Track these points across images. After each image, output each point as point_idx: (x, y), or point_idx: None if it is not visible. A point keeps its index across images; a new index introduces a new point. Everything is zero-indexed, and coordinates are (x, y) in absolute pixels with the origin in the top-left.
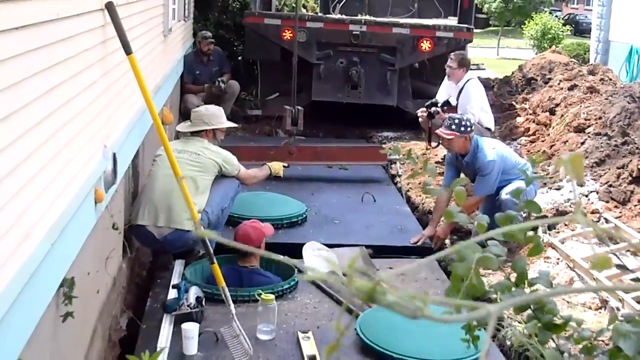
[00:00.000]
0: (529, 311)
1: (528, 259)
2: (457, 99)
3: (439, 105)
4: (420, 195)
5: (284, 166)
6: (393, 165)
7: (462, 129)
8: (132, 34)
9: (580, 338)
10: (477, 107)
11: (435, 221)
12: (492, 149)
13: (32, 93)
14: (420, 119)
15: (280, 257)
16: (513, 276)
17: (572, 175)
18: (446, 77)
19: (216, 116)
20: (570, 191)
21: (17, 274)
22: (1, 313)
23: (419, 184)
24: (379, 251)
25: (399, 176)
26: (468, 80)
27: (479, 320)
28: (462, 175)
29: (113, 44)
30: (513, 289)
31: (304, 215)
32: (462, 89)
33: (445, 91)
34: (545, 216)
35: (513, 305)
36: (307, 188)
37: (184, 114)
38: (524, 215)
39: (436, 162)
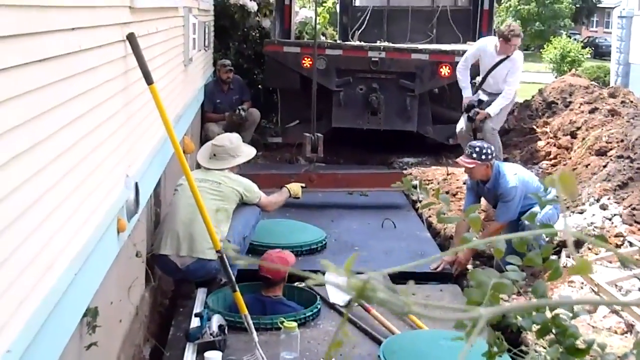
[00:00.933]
0: (551, 336)
1: (552, 284)
2: (493, 67)
3: (476, 105)
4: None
5: (302, 187)
6: (414, 191)
7: (483, 157)
8: (153, 64)
9: None
10: (519, 80)
11: (457, 247)
12: (514, 175)
13: (56, 124)
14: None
15: (306, 274)
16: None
17: (564, 193)
18: (481, 42)
19: (240, 148)
20: (594, 215)
21: (41, 304)
22: (26, 343)
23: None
24: (399, 277)
25: (420, 202)
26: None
27: (500, 347)
28: (482, 200)
29: (134, 74)
30: (534, 313)
31: (324, 242)
32: (504, 59)
33: (480, 54)
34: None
35: (508, 312)
36: (327, 215)
37: (205, 143)
38: (547, 240)
39: (457, 188)
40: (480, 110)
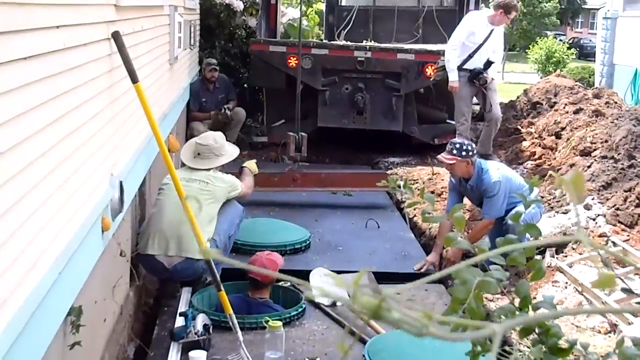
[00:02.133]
0: (534, 335)
1: (536, 283)
2: (486, 39)
3: (482, 71)
4: (430, 223)
5: (255, 162)
6: (398, 190)
7: (464, 153)
8: (138, 62)
9: None
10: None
11: (439, 247)
12: (497, 170)
13: (40, 122)
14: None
15: (295, 280)
16: (518, 301)
17: (573, 196)
18: (471, 17)
19: (224, 147)
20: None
21: (24, 303)
22: (9, 342)
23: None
24: (382, 278)
25: (404, 201)
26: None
27: (483, 346)
28: (465, 200)
29: (119, 72)
30: (517, 313)
31: (308, 242)
32: (492, 30)
33: (473, 27)
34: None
35: (519, 325)
36: (311, 214)
37: None
38: (531, 240)
39: (442, 188)
40: (487, 75)
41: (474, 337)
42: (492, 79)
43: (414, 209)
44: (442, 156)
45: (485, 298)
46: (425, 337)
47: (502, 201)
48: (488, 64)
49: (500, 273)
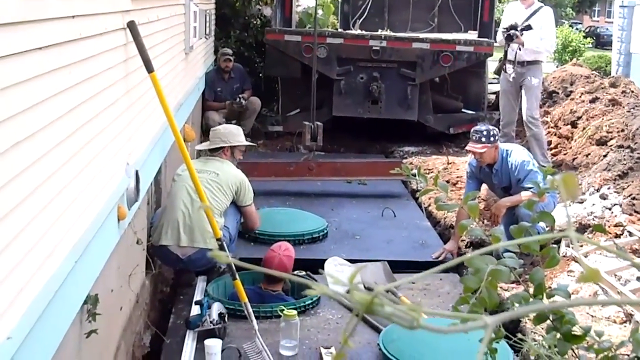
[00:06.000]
0: (549, 322)
1: (551, 273)
2: (525, 22)
3: (519, 29)
4: (444, 211)
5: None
6: (413, 178)
7: (492, 138)
8: (153, 52)
9: (600, 349)
10: (553, 32)
11: (457, 236)
12: (520, 149)
13: (57, 112)
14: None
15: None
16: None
17: (566, 194)
18: (508, 7)
19: (234, 134)
20: (593, 204)
21: (41, 291)
22: (26, 330)
23: (444, 201)
24: (400, 266)
25: (419, 191)
26: (541, 7)
27: (497, 333)
28: (483, 186)
29: (135, 62)
30: (530, 300)
31: (325, 231)
32: (533, 13)
33: (511, 15)
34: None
35: (510, 318)
36: (327, 203)
37: (206, 131)
38: (547, 229)
39: (457, 177)
40: (519, 36)
41: (466, 330)
42: (522, 43)
43: (429, 198)
44: (472, 147)
45: (501, 288)
46: (417, 329)
47: (539, 174)
48: (528, 28)
49: (513, 261)
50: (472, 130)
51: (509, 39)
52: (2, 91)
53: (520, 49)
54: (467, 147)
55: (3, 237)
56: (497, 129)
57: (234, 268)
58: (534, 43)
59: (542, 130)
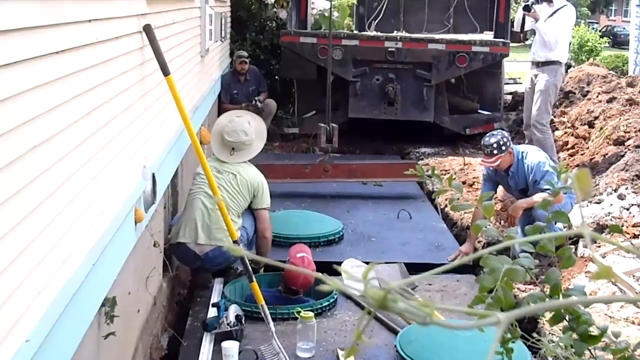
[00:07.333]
0: (565, 323)
1: (568, 273)
2: (546, 19)
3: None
4: (459, 211)
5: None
6: (427, 179)
7: (504, 147)
8: (169, 55)
9: (617, 350)
10: (568, 33)
11: (473, 237)
12: (535, 150)
13: (74, 115)
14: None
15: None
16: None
17: (579, 192)
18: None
19: (252, 135)
20: (611, 204)
21: (59, 294)
22: (45, 333)
23: (458, 199)
24: (416, 269)
25: (435, 192)
26: (564, 6)
27: (513, 333)
28: (500, 187)
29: (151, 65)
30: (547, 300)
31: (341, 233)
32: (555, 11)
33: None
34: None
35: (522, 314)
36: (342, 205)
37: None
38: (564, 229)
39: (474, 178)
40: (536, 11)
41: (478, 325)
42: (535, 19)
43: (445, 199)
44: (486, 161)
45: (517, 289)
46: (430, 325)
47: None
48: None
49: (528, 261)
50: (482, 144)
51: (527, 9)
52: (20, 95)
53: (533, 23)
54: (480, 163)
55: (21, 240)
56: (506, 133)
57: (250, 270)
58: (547, 29)
59: (549, 137)
